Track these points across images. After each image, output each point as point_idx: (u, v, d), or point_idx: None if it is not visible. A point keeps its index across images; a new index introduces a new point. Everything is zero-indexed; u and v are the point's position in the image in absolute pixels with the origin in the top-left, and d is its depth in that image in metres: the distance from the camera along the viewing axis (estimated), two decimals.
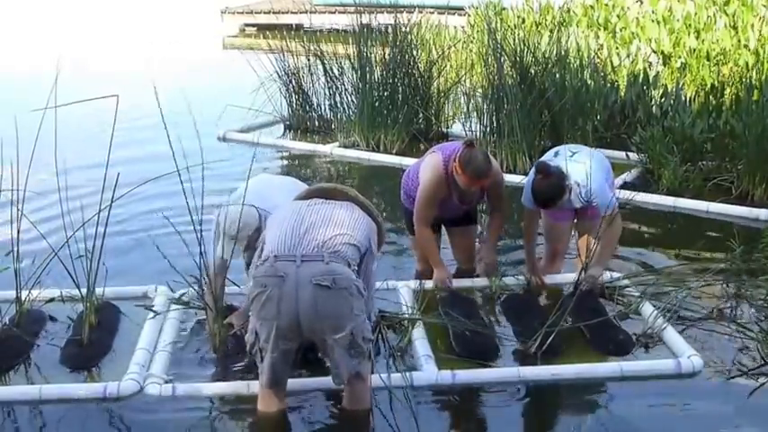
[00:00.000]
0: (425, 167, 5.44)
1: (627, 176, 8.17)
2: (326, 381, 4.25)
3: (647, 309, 5.17)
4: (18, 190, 5.09)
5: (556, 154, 5.41)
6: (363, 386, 4.06)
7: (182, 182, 4.78)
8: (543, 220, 5.69)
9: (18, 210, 5.09)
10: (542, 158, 5.47)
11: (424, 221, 5.48)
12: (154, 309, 5.19)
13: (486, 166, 5.16)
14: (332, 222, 3.97)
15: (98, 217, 4.96)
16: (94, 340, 4.85)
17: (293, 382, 4.21)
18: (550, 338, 4.71)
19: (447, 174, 5.33)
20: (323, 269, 3.76)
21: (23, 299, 5.08)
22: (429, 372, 4.46)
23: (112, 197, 4.97)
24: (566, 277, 5.68)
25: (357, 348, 3.88)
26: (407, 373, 4.38)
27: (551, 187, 5.12)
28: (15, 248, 5.06)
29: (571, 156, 5.33)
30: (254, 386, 4.31)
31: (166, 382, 4.42)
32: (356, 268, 3.94)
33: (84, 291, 4.97)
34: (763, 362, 4.62)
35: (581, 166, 5.23)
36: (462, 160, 5.12)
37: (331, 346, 3.86)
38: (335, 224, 3.97)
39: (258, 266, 3.91)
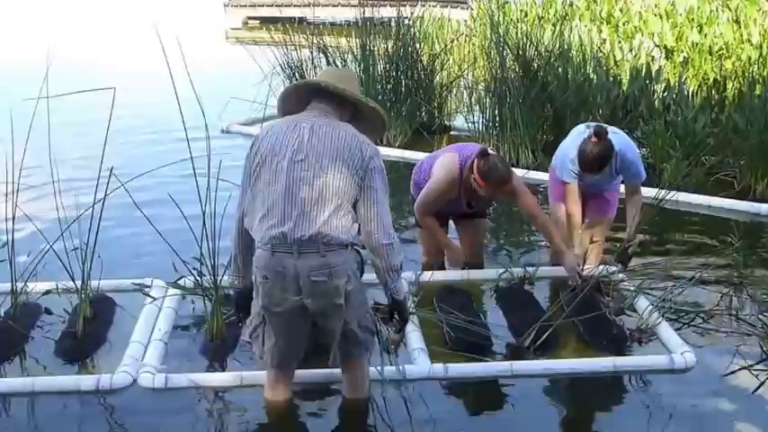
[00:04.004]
0: (440, 166, 5.42)
1: None
2: (325, 373, 4.28)
3: (643, 303, 5.16)
4: (13, 182, 5.10)
5: (588, 126, 5.45)
6: (361, 374, 4.07)
7: (193, 168, 4.74)
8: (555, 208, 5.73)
9: (13, 202, 5.09)
10: (570, 134, 5.57)
11: (424, 212, 5.49)
12: (151, 294, 5.22)
13: (506, 172, 5.23)
14: (325, 191, 3.69)
15: (92, 210, 4.95)
16: (89, 333, 4.85)
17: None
18: (546, 334, 4.71)
19: (461, 177, 5.34)
20: (319, 263, 3.69)
21: (19, 291, 5.08)
22: (422, 365, 4.45)
23: (107, 188, 4.99)
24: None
25: (353, 336, 3.86)
26: (400, 366, 4.37)
27: (607, 149, 5.17)
28: (11, 238, 5.06)
29: None
30: (247, 377, 4.33)
31: (160, 372, 4.41)
32: (356, 231, 3.77)
33: (78, 283, 4.97)
34: (764, 356, 4.62)
35: (616, 137, 5.31)
36: (482, 171, 5.15)
37: (327, 333, 3.84)
38: (329, 193, 3.70)
39: (256, 249, 3.79)
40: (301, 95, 4.01)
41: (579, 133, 5.40)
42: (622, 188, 5.73)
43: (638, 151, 5.62)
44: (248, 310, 3.99)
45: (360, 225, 3.79)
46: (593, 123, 5.57)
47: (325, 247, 3.68)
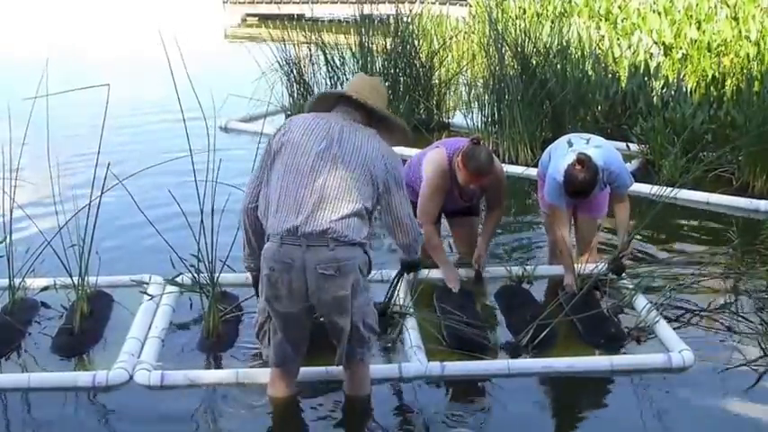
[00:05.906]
0: (429, 162, 5.41)
1: (628, 167, 8.11)
2: (325, 370, 4.27)
3: (641, 302, 5.14)
4: (11, 178, 5.09)
5: (570, 143, 5.35)
6: (363, 372, 4.09)
7: (193, 165, 4.73)
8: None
9: (11, 198, 5.09)
10: (554, 148, 5.50)
11: (428, 217, 5.42)
12: (148, 291, 5.22)
13: (487, 165, 5.18)
14: (344, 192, 3.78)
15: (90, 206, 4.95)
16: (86, 329, 4.84)
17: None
18: (544, 332, 4.69)
19: (450, 169, 5.32)
20: (328, 257, 3.72)
21: (16, 287, 5.08)
22: (418, 363, 4.43)
23: (104, 185, 4.98)
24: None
25: (359, 334, 3.86)
26: (397, 364, 4.38)
27: (591, 177, 5.06)
28: (8, 232, 5.07)
29: (586, 142, 5.32)
30: (243, 374, 4.33)
31: (156, 368, 4.41)
32: (366, 235, 3.85)
33: (76, 279, 4.96)
34: (763, 353, 4.61)
35: (598, 151, 5.23)
36: (465, 155, 5.14)
37: (336, 329, 3.84)
38: (347, 188, 3.78)
39: (265, 242, 3.84)
40: (329, 99, 4.15)
41: (563, 154, 5.27)
42: None
43: (621, 158, 5.51)
44: None
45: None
46: (575, 138, 5.44)
47: (335, 243, 3.72)
